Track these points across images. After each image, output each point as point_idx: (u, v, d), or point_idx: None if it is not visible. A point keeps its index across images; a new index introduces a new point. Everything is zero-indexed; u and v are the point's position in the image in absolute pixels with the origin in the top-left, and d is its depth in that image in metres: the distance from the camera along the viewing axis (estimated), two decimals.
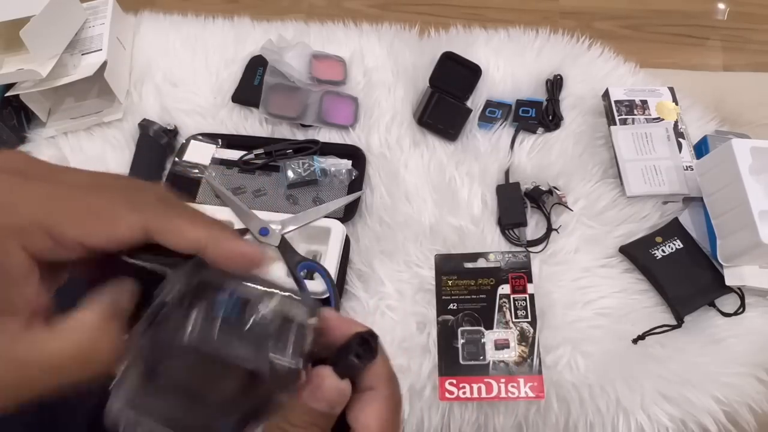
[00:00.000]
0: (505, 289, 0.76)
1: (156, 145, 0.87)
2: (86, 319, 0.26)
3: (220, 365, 0.26)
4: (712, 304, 0.75)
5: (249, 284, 0.28)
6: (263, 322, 0.28)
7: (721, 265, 0.75)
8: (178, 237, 0.27)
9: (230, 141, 0.88)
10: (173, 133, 0.89)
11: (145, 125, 0.88)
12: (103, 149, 0.88)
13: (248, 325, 0.27)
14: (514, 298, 0.76)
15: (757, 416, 0.72)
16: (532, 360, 0.72)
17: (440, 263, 0.79)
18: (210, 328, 0.26)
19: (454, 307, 0.76)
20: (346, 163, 0.86)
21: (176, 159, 0.86)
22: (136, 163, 0.86)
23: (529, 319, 0.74)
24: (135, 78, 0.95)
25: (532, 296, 0.76)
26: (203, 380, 0.27)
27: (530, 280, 0.77)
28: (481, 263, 0.79)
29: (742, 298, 0.75)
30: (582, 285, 0.77)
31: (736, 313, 0.74)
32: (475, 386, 0.71)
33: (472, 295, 0.77)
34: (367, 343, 0.31)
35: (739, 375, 0.72)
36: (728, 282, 0.74)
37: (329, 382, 0.30)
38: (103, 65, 0.86)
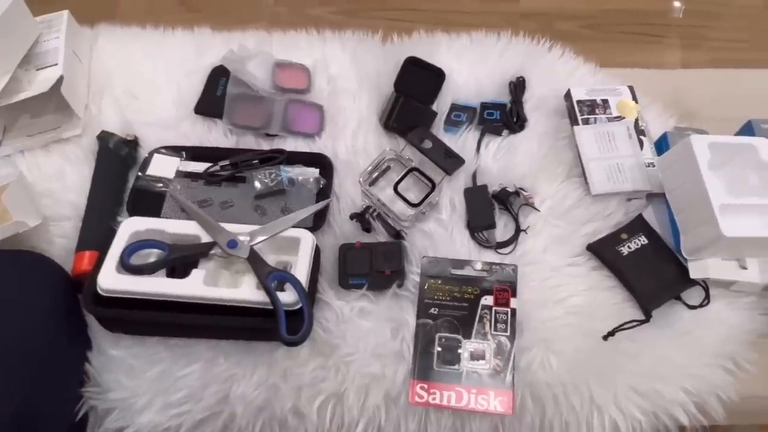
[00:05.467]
0: (488, 300, 0.77)
1: (116, 158, 0.85)
2: None
3: None
4: (679, 298, 0.76)
5: None
6: None
7: (685, 259, 0.77)
8: None
9: (195, 153, 0.87)
10: (133, 143, 0.87)
11: (103, 137, 0.86)
12: (61, 166, 0.86)
13: None
14: (496, 310, 0.76)
15: (725, 405, 0.73)
16: (506, 374, 0.72)
17: (427, 266, 0.79)
18: None
19: (435, 312, 0.76)
20: (313, 172, 0.85)
21: (140, 173, 0.85)
22: (97, 178, 0.84)
23: (508, 333, 0.74)
24: (93, 92, 0.93)
25: (514, 311, 0.76)
26: None
27: (514, 295, 0.77)
28: (468, 271, 0.79)
29: (706, 290, 0.76)
30: (552, 284, 0.78)
31: (701, 306, 0.76)
32: (446, 393, 0.71)
33: (454, 302, 0.77)
34: None
35: (707, 366, 0.74)
36: (693, 275, 0.76)
37: None
38: (60, 80, 0.84)
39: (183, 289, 0.70)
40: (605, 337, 0.74)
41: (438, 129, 0.90)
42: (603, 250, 0.79)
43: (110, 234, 0.74)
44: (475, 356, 0.73)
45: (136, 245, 0.72)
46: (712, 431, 0.75)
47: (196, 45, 0.98)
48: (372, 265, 0.77)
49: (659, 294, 0.76)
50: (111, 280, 0.70)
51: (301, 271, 0.72)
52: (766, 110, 0.87)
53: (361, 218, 0.81)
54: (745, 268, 0.75)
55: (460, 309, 0.76)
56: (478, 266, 0.79)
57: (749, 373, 0.74)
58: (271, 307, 0.68)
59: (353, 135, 0.90)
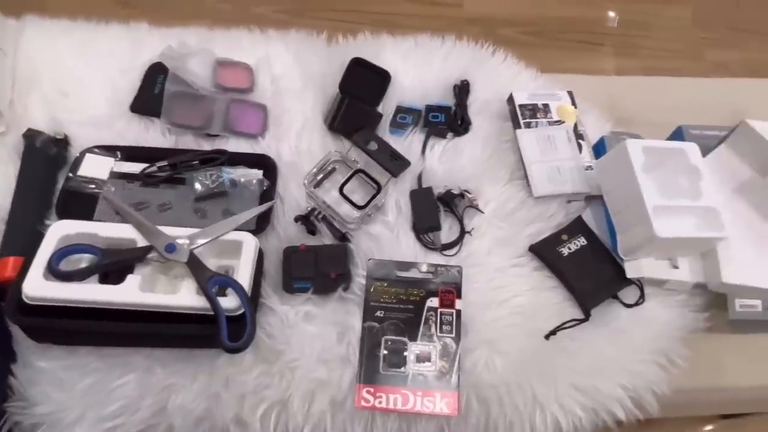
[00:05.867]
0: (433, 302, 0.77)
1: (44, 158, 0.80)
2: None
3: None
4: (616, 297, 0.79)
5: None
6: None
7: (621, 259, 0.79)
8: None
9: (130, 153, 0.83)
10: (63, 142, 0.83)
11: (30, 136, 0.81)
12: None
13: None
14: (441, 312, 0.76)
15: (659, 398, 0.76)
16: (451, 376, 0.72)
17: (372, 268, 0.78)
18: None
19: (381, 315, 0.75)
20: (256, 173, 0.83)
21: (70, 174, 0.80)
22: (23, 179, 0.79)
23: (453, 335, 0.75)
24: (19, 88, 0.87)
25: (459, 312, 0.76)
26: None
27: (459, 296, 0.77)
28: (414, 273, 0.78)
29: (641, 289, 0.79)
30: (495, 285, 0.79)
31: (636, 304, 0.79)
32: (392, 396, 0.71)
33: (400, 305, 0.76)
34: None
35: (643, 362, 0.77)
36: (629, 274, 0.78)
37: None
38: None
39: (117, 296, 0.67)
40: (547, 337, 0.76)
41: (383, 131, 0.90)
42: (544, 251, 0.81)
43: (37, 238, 0.69)
44: (421, 358, 0.73)
45: (65, 250, 0.68)
46: (646, 424, 0.78)
47: (132, 40, 0.94)
48: (317, 268, 0.76)
49: (597, 293, 0.79)
50: (38, 286, 0.66)
51: (244, 276, 0.70)
52: (695, 116, 0.92)
53: (306, 221, 0.80)
54: (676, 267, 0.79)
55: (405, 311, 0.76)
56: (424, 268, 0.79)
57: (680, 367, 0.78)
58: (212, 313, 0.66)
59: (297, 136, 0.88)
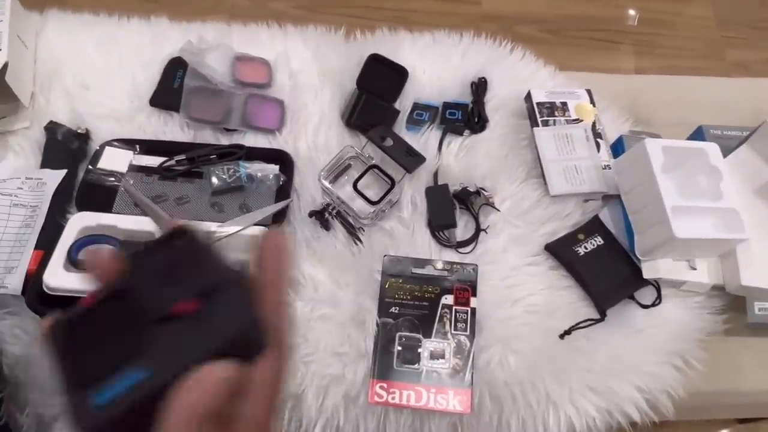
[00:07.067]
0: (448, 299, 0.77)
1: (65, 150, 0.81)
2: None
3: None
4: (632, 297, 0.78)
5: None
6: None
7: (638, 259, 0.79)
8: None
9: (149, 147, 0.84)
10: (84, 136, 0.84)
11: (51, 128, 0.82)
12: (5, 157, 0.82)
13: None
14: (456, 309, 0.76)
15: (674, 401, 0.75)
16: (465, 373, 0.72)
17: (388, 264, 0.78)
18: None
19: (396, 311, 0.76)
20: (273, 168, 0.84)
21: (90, 166, 0.81)
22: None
23: (468, 333, 0.75)
24: (41, 81, 0.88)
25: (474, 310, 0.76)
26: None
27: (474, 294, 0.77)
28: (429, 270, 0.78)
29: (658, 290, 0.79)
30: (511, 284, 0.79)
31: (653, 305, 0.78)
32: (405, 392, 0.71)
33: (415, 301, 0.76)
34: None
35: (658, 363, 0.76)
36: (646, 275, 0.78)
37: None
38: (4, 67, 0.80)
39: None
40: (562, 336, 0.75)
41: (400, 127, 0.90)
42: (560, 250, 0.81)
43: (57, 230, 0.70)
44: (435, 355, 0.73)
45: (85, 240, 0.69)
46: (661, 427, 0.78)
47: (153, 35, 0.95)
48: None
49: (614, 293, 0.78)
50: (58, 277, 0.67)
51: None
52: (715, 116, 0.91)
53: (320, 216, 0.80)
54: (694, 268, 0.78)
55: (420, 308, 0.76)
56: (439, 265, 0.79)
57: (697, 370, 0.77)
58: None
59: (314, 131, 0.88)
